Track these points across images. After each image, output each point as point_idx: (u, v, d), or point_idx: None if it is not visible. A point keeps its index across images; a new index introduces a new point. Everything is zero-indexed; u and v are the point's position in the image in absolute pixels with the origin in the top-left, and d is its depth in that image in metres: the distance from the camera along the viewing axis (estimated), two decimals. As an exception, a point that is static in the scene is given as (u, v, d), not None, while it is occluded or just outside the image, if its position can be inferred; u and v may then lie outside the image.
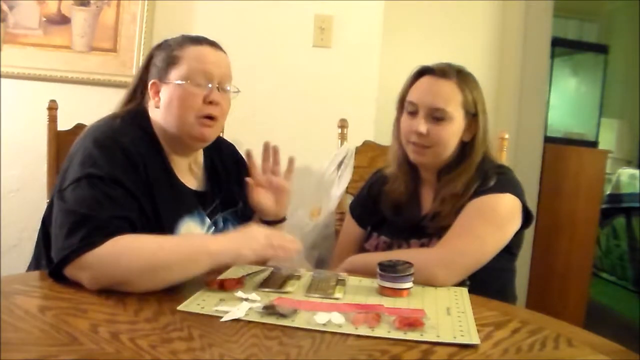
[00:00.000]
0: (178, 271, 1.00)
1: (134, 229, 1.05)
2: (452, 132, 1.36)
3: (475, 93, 1.38)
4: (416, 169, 1.46)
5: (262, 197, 1.26)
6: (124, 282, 0.98)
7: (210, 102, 1.17)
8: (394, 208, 1.45)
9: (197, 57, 1.17)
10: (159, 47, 1.24)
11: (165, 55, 1.20)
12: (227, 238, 1.08)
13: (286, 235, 1.12)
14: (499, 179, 1.34)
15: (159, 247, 1.01)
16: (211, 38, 1.25)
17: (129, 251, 0.99)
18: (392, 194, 1.46)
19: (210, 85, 1.17)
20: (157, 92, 1.19)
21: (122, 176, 1.08)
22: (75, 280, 1.00)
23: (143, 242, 1.02)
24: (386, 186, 1.48)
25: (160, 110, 1.18)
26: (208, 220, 1.24)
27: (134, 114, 1.19)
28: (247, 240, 1.05)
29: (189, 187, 1.24)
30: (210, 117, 1.18)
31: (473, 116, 1.37)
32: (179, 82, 1.16)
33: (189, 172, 1.26)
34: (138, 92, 1.24)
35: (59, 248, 1.00)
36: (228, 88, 1.21)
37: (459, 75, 1.37)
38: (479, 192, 1.32)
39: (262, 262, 1.15)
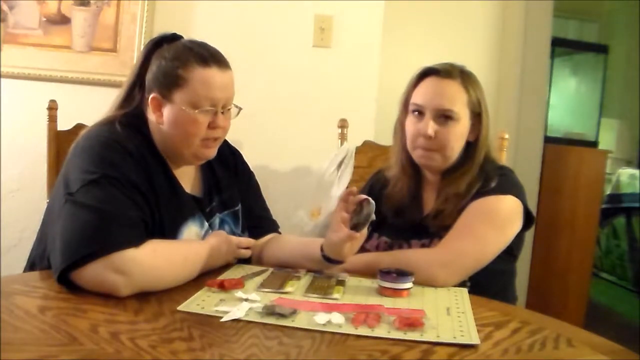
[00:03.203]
0: (187, 279, 1.08)
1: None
2: (459, 133, 1.35)
3: (478, 92, 1.37)
4: (419, 171, 1.45)
5: (343, 239, 1.15)
6: (149, 290, 1.00)
7: (215, 127, 1.16)
8: (395, 210, 1.45)
9: (204, 82, 1.12)
10: (160, 51, 1.18)
11: (168, 69, 1.14)
12: (214, 248, 1.17)
13: (241, 239, 1.27)
14: (501, 181, 1.34)
15: (184, 260, 1.09)
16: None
17: (165, 262, 1.04)
18: (394, 197, 1.45)
19: (215, 110, 1.15)
20: (159, 108, 1.16)
21: (135, 179, 1.08)
22: (90, 283, 0.97)
23: (173, 254, 1.07)
24: (387, 189, 1.48)
25: (163, 127, 1.16)
26: (206, 224, 1.24)
27: (131, 119, 1.18)
28: (224, 252, 1.20)
29: (188, 191, 1.24)
30: (214, 139, 1.19)
31: (478, 116, 1.37)
32: (185, 108, 1.13)
33: (187, 176, 1.26)
34: (135, 91, 1.22)
35: (78, 245, 0.97)
36: (230, 108, 1.20)
37: (463, 75, 1.36)
38: (480, 193, 1.32)
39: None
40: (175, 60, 1.14)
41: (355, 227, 1.13)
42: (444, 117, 1.33)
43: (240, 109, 1.22)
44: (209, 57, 1.15)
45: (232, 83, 1.19)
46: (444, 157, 1.37)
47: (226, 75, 1.17)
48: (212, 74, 1.14)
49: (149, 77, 1.18)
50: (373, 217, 1.12)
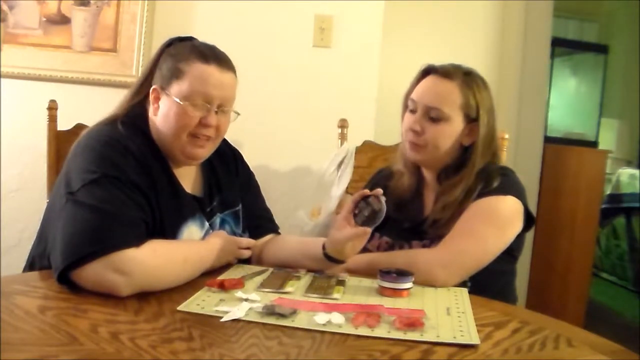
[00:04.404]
0: (187, 279, 1.08)
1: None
2: (447, 133, 1.36)
3: (479, 97, 1.37)
4: (419, 168, 1.46)
5: (348, 236, 1.15)
6: (149, 290, 1.00)
7: (206, 125, 1.16)
8: (397, 205, 1.45)
9: (201, 77, 1.14)
10: (168, 50, 1.21)
11: (171, 64, 1.17)
12: (214, 248, 1.17)
13: (241, 239, 1.28)
14: (502, 181, 1.33)
15: (184, 260, 1.08)
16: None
17: (165, 262, 1.04)
18: (397, 191, 1.46)
19: (209, 107, 1.15)
20: (157, 100, 1.17)
21: (136, 179, 1.08)
22: (90, 283, 0.96)
23: (173, 254, 1.07)
24: (391, 182, 1.49)
25: (158, 119, 1.17)
26: (207, 224, 1.24)
27: (133, 119, 1.18)
28: (225, 252, 1.20)
29: (189, 191, 1.24)
30: (204, 138, 1.17)
31: (474, 120, 1.37)
32: (178, 100, 1.13)
33: (188, 176, 1.26)
34: (144, 87, 1.23)
35: (79, 245, 0.97)
36: (227, 109, 1.19)
37: (465, 78, 1.36)
38: (482, 194, 1.31)
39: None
40: (178, 55, 1.17)
41: (366, 223, 1.13)
42: (433, 115, 1.35)
43: (238, 114, 1.22)
44: (211, 55, 1.16)
45: (231, 85, 1.19)
46: (430, 154, 1.37)
47: (225, 76, 1.17)
48: (210, 71, 1.15)
49: (156, 73, 1.20)
50: (384, 211, 1.13)
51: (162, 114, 1.16)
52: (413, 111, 1.39)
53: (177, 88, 1.14)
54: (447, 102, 1.35)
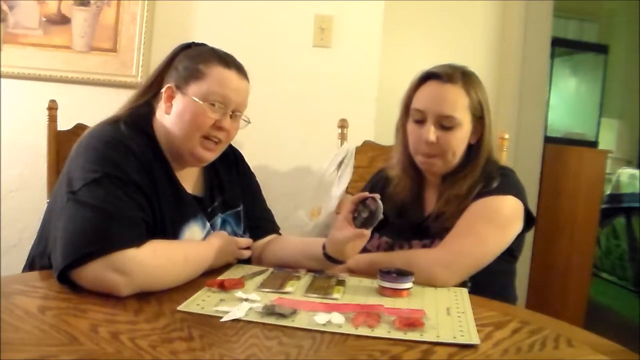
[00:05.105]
0: (187, 279, 1.08)
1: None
2: (461, 138, 1.35)
3: (480, 94, 1.36)
4: (420, 172, 1.45)
5: (349, 237, 1.17)
6: (149, 290, 1.00)
7: (220, 128, 1.17)
8: (396, 210, 1.44)
9: (221, 80, 1.16)
10: (186, 51, 1.22)
11: (189, 64, 1.18)
12: (214, 249, 1.17)
13: (241, 239, 1.28)
14: (502, 181, 1.33)
15: (184, 260, 1.08)
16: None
17: (165, 262, 1.04)
18: (396, 197, 1.46)
19: (225, 110, 1.17)
20: (171, 98, 1.18)
21: (138, 179, 1.08)
22: (90, 282, 0.97)
23: (173, 254, 1.07)
24: (389, 188, 1.48)
25: (169, 118, 1.18)
26: (208, 225, 1.24)
27: (136, 118, 1.18)
28: (225, 253, 1.21)
29: (190, 192, 1.24)
30: (215, 141, 1.19)
31: (479, 118, 1.37)
32: (197, 99, 1.15)
33: (190, 177, 1.26)
34: (153, 87, 1.24)
35: (79, 244, 0.97)
36: (239, 115, 1.21)
37: (464, 78, 1.35)
38: (481, 194, 1.31)
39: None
40: (197, 57, 1.19)
41: (365, 225, 1.13)
42: (446, 123, 1.32)
43: (248, 122, 1.24)
44: (231, 61, 1.20)
45: (246, 92, 1.22)
46: (446, 162, 1.36)
47: (242, 83, 1.20)
48: (230, 75, 1.18)
49: (170, 73, 1.21)
50: (380, 211, 1.13)
51: (176, 113, 1.17)
52: (421, 121, 1.35)
53: (196, 88, 1.16)
54: (458, 107, 1.33)
